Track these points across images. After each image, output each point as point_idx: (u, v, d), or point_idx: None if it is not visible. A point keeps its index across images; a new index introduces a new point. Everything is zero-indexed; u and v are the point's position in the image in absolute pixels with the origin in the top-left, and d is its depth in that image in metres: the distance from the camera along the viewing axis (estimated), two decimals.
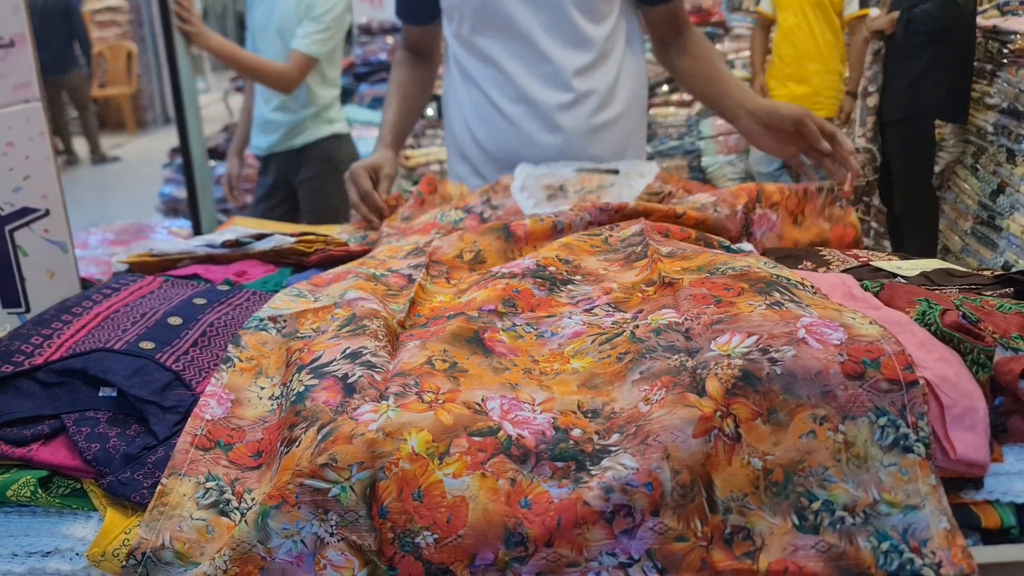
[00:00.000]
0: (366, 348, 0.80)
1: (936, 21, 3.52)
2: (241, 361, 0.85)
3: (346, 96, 4.85)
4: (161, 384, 0.78)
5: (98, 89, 10.14)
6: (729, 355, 0.72)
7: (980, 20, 3.77)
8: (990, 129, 3.60)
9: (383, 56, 5.09)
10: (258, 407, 0.81)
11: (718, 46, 4.91)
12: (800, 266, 1.22)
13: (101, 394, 0.77)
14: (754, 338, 0.74)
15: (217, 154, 4.39)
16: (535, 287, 0.95)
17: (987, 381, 0.72)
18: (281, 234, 1.28)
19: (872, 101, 3.93)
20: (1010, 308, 0.90)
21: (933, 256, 3.69)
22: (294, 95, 2.89)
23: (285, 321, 0.92)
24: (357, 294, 0.93)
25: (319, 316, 0.92)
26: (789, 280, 0.87)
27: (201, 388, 0.80)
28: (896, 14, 3.60)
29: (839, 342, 0.72)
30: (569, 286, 0.98)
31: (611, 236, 1.13)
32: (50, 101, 8.73)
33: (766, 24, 4.53)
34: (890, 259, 1.18)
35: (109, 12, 10.67)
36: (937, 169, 3.92)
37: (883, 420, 0.68)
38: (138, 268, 1.27)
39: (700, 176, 4.83)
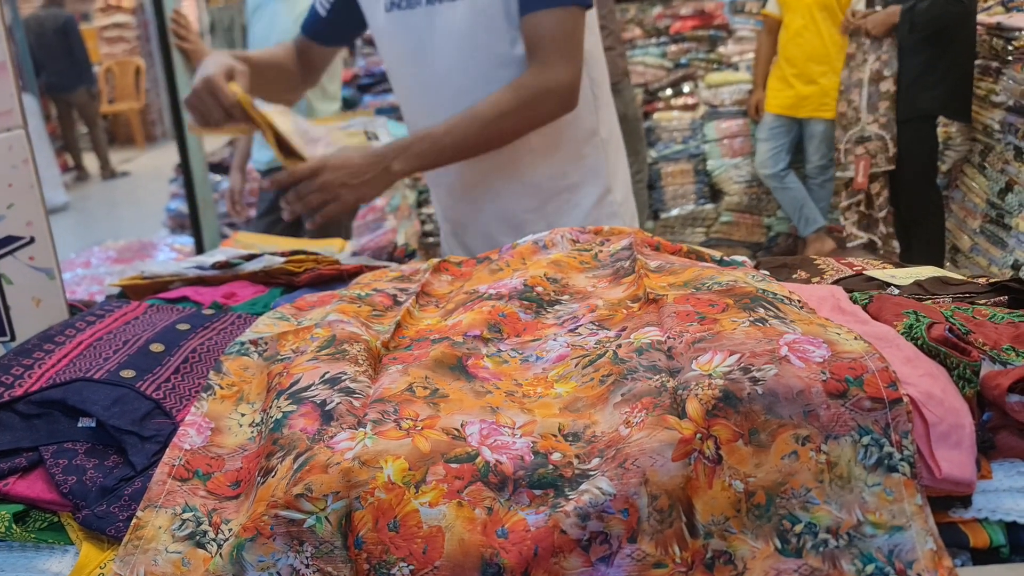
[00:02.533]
0: (345, 374, 0.80)
1: (937, 20, 3.49)
2: (222, 388, 0.85)
3: (350, 107, 4.86)
4: (141, 413, 0.78)
5: (107, 105, 10.22)
6: (710, 375, 0.71)
7: (984, 17, 3.75)
8: (996, 127, 3.57)
9: (384, 67, 5.09)
10: (238, 435, 0.80)
11: (721, 49, 4.90)
12: (794, 276, 1.21)
13: (80, 425, 0.76)
14: (736, 356, 0.72)
15: (221, 168, 4.41)
16: (522, 310, 0.94)
17: (973, 396, 0.71)
18: (271, 254, 1.28)
19: (887, 86, 3.87)
20: (1002, 318, 0.89)
21: (942, 257, 3.67)
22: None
23: (266, 344, 0.92)
24: (338, 316, 0.92)
25: (299, 336, 0.92)
26: (776, 295, 0.86)
27: (181, 416, 0.80)
28: (888, 14, 3.57)
29: (822, 360, 0.71)
30: (556, 306, 0.97)
31: (601, 251, 1.12)
32: (60, 118, 8.83)
33: (774, 27, 4.50)
34: (884, 267, 1.17)
35: (117, 28, 10.75)
36: (944, 168, 3.89)
37: (866, 439, 0.67)
38: (130, 291, 1.27)
39: (706, 179, 4.82)
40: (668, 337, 0.80)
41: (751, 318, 0.79)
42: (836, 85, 4.40)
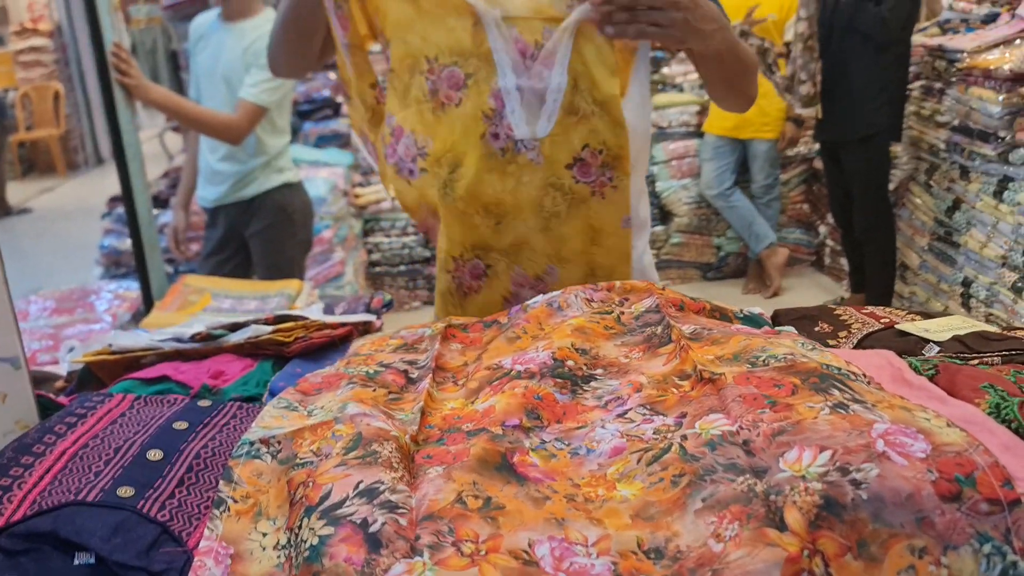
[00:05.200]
0: (382, 483, 0.70)
1: (906, 19, 3.57)
2: (236, 502, 0.74)
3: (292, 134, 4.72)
4: (147, 542, 0.67)
5: (25, 132, 9.78)
6: (804, 476, 0.64)
7: (924, 38, 3.83)
8: (942, 146, 3.64)
9: (327, 93, 4.97)
10: (263, 561, 0.70)
11: (665, 69, 4.90)
12: (816, 328, 1.16)
13: (76, 562, 0.65)
14: (828, 453, 0.66)
15: (159, 202, 4.21)
16: (557, 390, 0.86)
17: None
18: (256, 322, 1.17)
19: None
20: None
21: (893, 275, 3.71)
22: (242, 144, 2.76)
23: (279, 443, 0.81)
24: (358, 408, 0.83)
25: (318, 434, 0.82)
26: (840, 370, 0.80)
27: (194, 541, 0.69)
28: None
29: (924, 455, 0.64)
30: (592, 383, 0.89)
31: (623, 313, 1.05)
32: None
33: None
34: (913, 319, 1.12)
35: (34, 52, 10.31)
36: (891, 187, 3.95)
37: (987, 548, 0.60)
38: (97, 368, 1.15)
39: (655, 201, 4.81)
40: (740, 427, 0.72)
41: (828, 403, 0.72)
42: (778, 106, 4.45)
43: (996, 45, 3.33)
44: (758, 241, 4.59)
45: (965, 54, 3.41)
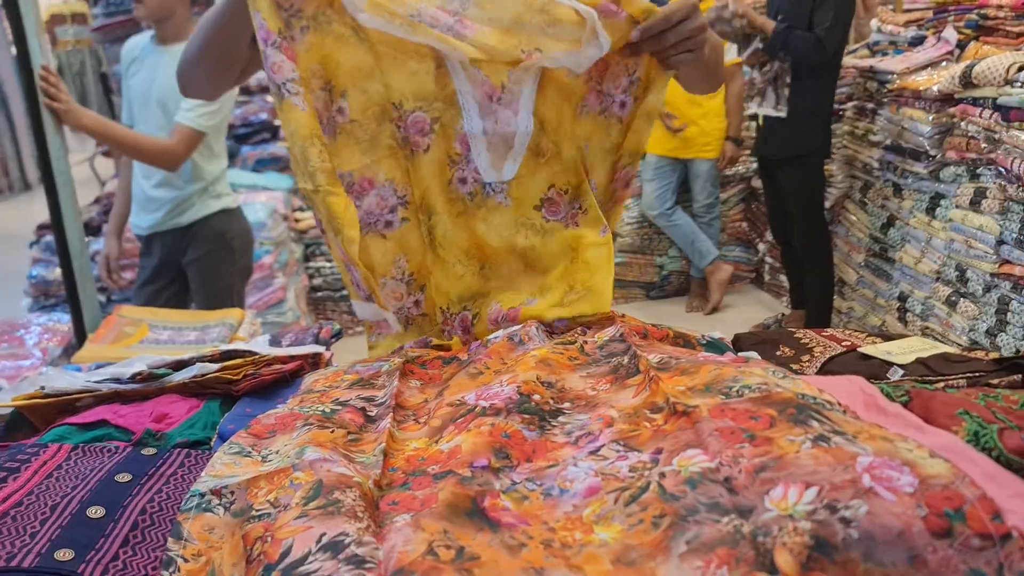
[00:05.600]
0: (347, 535, 0.66)
1: (794, 50, 3.66)
2: (187, 561, 0.69)
3: (229, 158, 4.62)
4: None
5: None
6: (791, 515, 0.62)
7: (855, 60, 3.93)
8: (876, 165, 3.73)
9: (263, 116, 4.88)
10: None
11: None
12: (778, 352, 1.15)
13: None
14: (814, 490, 0.64)
15: (90, 229, 4.07)
16: (525, 427, 0.83)
17: None
18: (200, 359, 1.11)
19: None
20: None
21: (832, 290, 3.77)
22: (178, 170, 2.68)
23: (233, 493, 0.76)
24: (317, 454, 0.78)
25: (275, 483, 0.77)
26: (815, 399, 0.78)
27: None
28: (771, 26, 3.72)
29: (912, 489, 0.63)
30: (561, 418, 0.86)
31: (587, 343, 1.02)
32: None
33: None
34: (874, 342, 1.12)
35: None
36: (828, 204, 4.03)
37: None
38: (29, 412, 1.07)
39: None
40: (720, 463, 0.70)
41: (809, 435, 0.71)
42: (717, 125, 4.52)
43: (924, 67, 3.43)
44: (702, 257, 4.64)
45: (895, 75, 3.51)
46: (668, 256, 4.91)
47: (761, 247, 4.94)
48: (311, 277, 4.70)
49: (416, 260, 1.23)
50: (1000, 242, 2.94)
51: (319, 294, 4.71)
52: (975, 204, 3.05)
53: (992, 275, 2.99)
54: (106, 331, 2.38)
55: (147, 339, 2.40)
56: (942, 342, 3.24)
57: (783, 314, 4.34)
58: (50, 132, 2.32)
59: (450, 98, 1.16)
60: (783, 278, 4.54)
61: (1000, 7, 3.30)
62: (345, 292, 4.64)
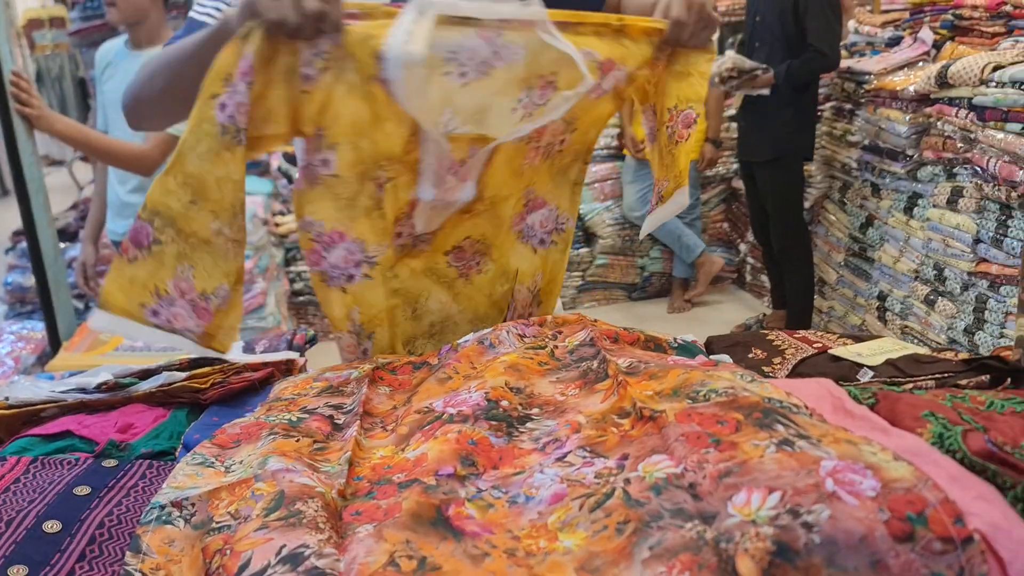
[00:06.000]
0: (308, 547, 0.65)
1: (812, 74, 3.65)
2: (145, 575, 0.68)
3: None
4: None
5: None
6: (754, 521, 0.61)
7: None
8: (854, 165, 3.75)
9: None
10: None
11: None
12: (750, 355, 1.15)
13: None
14: (777, 495, 0.63)
15: (67, 235, 4.03)
16: (492, 434, 0.82)
17: None
18: (168, 367, 1.10)
19: None
20: (1002, 406, 0.84)
21: (812, 290, 3.77)
22: (154, 175, 2.65)
23: (193, 505, 0.75)
24: (280, 463, 0.77)
25: (236, 494, 0.76)
26: (782, 403, 0.78)
27: None
28: (771, 75, 3.69)
29: (874, 492, 0.62)
30: (528, 424, 0.85)
31: (557, 347, 1.01)
32: None
33: None
34: (845, 343, 1.12)
35: None
36: (807, 205, 4.04)
37: None
38: None
39: (579, 224, 4.83)
40: (685, 469, 0.70)
41: (774, 440, 0.70)
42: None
43: (901, 67, 3.45)
44: (690, 252, 4.66)
45: (872, 76, 3.53)
46: (649, 257, 4.92)
47: (742, 247, 4.95)
48: (292, 282, 4.67)
49: (369, 313, 1.23)
50: (977, 241, 2.96)
51: (301, 298, 4.69)
52: (952, 203, 3.07)
53: (969, 274, 3.01)
54: (80, 339, 2.35)
55: (122, 347, 2.38)
56: (921, 341, 3.27)
57: (764, 314, 4.35)
58: (22, 138, 2.29)
59: (411, 164, 1.16)
60: (764, 278, 4.55)
61: (975, 7, 3.33)
62: None
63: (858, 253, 3.78)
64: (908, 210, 3.36)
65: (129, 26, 2.66)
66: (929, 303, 3.22)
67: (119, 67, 2.69)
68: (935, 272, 3.18)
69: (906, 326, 3.39)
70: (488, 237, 1.29)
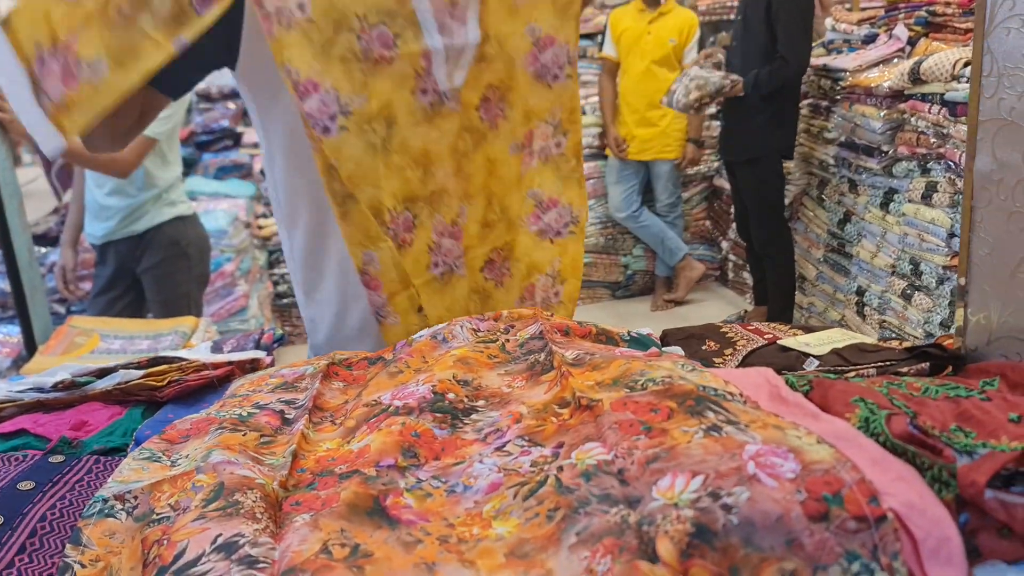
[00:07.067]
0: (243, 536, 0.66)
1: (778, 84, 3.65)
2: (84, 567, 0.69)
3: (188, 166, 4.59)
4: None
5: None
6: (676, 504, 0.63)
7: (810, 59, 3.96)
8: (831, 161, 3.77)
9: (225, 123, 4.86)
10: None
11: None
12: (704, 347, 1.16)
13: None
14: (700, 479, 0.65)
15: (46, 240, 4.02)
16: (436, 426, 0.83)
17: (952, 501, 0.66)
18: (125, 366, 1.11)
19: None
20: (937, 391, 0.86)
21: (793, 286, 3.79)
22: (130, 178, 2.66)
23: (136, 498, 0.76)
24: (222, 456, 0.78)
25: (178, 486, 0.77)
26: (716, 391, 0.79)
27: None
28: (740, 86, 3.70)
29: (793, 475, 0.64)
30: (473, 415, 0.86)
31: (508, 341, 1.03)
32: None
33: (612, 69, 4.63)
34: (795, 334, 1.14)
35: None
36: (786, 202, 4.07)
37: (856, 566, 0.60)
38: None
39: None
40: (616, 456, 0.71)
41: (703, 426, 0.72)
42: (677, 127, 4.56)
43: (876, 64, 3.48)
44: (672, 255, 4.69)
45: (848, 73, 3.56)
46: (633, 256, 4.94)
47: (724, 245, 4.98)
48: (275, 284, 4.68)
49: (348, 168, 1.22)
50: (951, 235, 2.99)
51: (284, 300, 4.70)
52: (926, 198, 3.09)
53: (944, 268, 3.04)
54: (56, 342, 2.35)
55: (98, 349, 2.38)
56: (899, 335, 3.29)
57: (746, 311, 4.38)
58: None
59: (410, 16, 1.20)
60: (747, 275, 4.58)
61: (948, 4, 3.36)
62: None
63: (837, 249, 3.81)
64: (884, 205, 3.39)
65: None
66: (906, 297, 3.25)
67: None
68: (911, 267, 3.21)
69: (884, 320, 3.41)
70: (505, 80, 1.33)
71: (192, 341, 2.42)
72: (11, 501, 0.74)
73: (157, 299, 2.87)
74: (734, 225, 4.46)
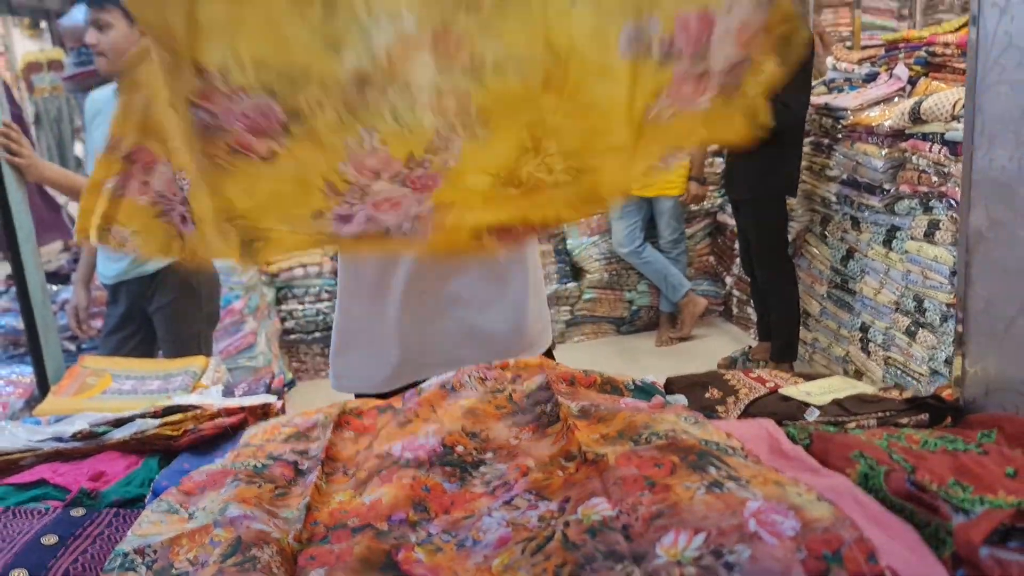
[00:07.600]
0: None
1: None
2: None
3: None
4: None
5: None
6: (679, 561, 0.65)
7: (812, 97, 4.01)
8: (833, 199, 3.81)
9: None
10: None
11: None
12: (707, 395, 1.18)
13: None
14: (702, 536, 0.67)
15: (58, 278, 4.07)
16: (445, 480, 0.86)
17: (950, 559, 0.68)
18: (142, 415, 1.13)
19: None
20: (935, 444, 0.88)
21: (798, 322, 3.78)
22: None
23: (155, 552, 0.78)
24: (240, 510, 0.81)
25: (196, 541, 0.79)
26: (719, 445, 0.82)
27: None
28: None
29: (794, 533, 0.66)
30: (482, 468, 0.89)
31: (515, 392, 1.05)
32: None
33: None
34: (796, 382, 1.16)
35: None
36: (789, 238, 4.10)
37: None
38: None
39: (567, 258, 4.89)
40: (620, 512, 0.73)
41: (705, 482, 0.74)
42: (680, 163, 4.60)
43: (877, 103, 3.53)
44: (675, 291, 4.71)
45: (849, 112, 3.60)
46: (637, 291, 4.97)
47: (728, 280, 5.00)
48: (283, 320, 4.71)
49: None
50: (955, 272, 3.01)
51: (292, 337, 4.72)
52: (929, 236, 3.12)
53: (948, 305, 3.05)
54: (69, 382, 2.38)
55: (110, 389, 2.41)
56: (904, 371, 3.30)
57: (750, 346, 4.39)
58: (11, 187, 2.34)
59: None
60: (751, 310, 4.59)
61: (946, 45, 3.41)
62: (317, 334, 4.64)
63: (840, 285, 3.83)
64: (887, 243, 3.41)
65: (119, 75, 2.72)
66: (910, 334, 3.26)
67: (108, 114, 2.75)
68: (915, 303, 3.23)
69: (889, 357, 3.42)
70: None
71: (203, 381, 2.45)
72: (36, 555, 0.76)
73: (168, 338, 2.90)
74: (738, 260, 4.49)
